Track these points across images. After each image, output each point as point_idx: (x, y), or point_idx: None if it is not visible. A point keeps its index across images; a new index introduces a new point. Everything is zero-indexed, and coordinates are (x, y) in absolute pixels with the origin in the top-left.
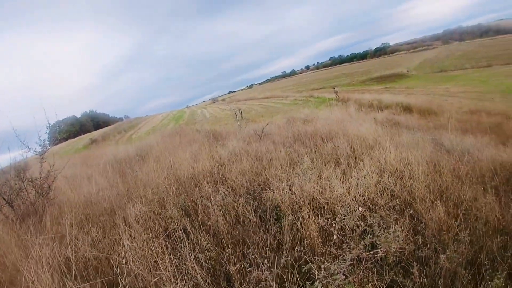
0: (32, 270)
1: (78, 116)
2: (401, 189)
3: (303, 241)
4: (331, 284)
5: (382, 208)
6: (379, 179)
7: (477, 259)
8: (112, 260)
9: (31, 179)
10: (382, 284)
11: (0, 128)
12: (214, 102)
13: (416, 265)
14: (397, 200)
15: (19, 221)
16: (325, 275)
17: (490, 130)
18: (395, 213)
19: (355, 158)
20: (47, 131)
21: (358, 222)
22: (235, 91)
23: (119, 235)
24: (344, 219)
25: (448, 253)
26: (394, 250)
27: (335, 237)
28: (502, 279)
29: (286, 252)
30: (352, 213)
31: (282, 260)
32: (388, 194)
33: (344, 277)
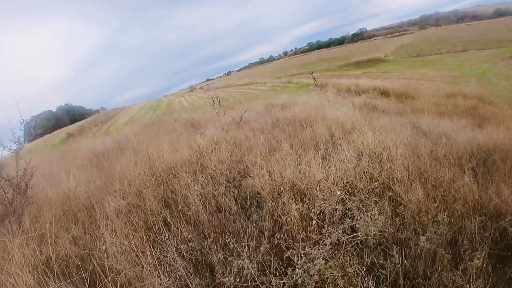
0: (13, 271)
1: (54, 110)
2: (380, 172)
3: (284, 228)
4: (311, 269)
5: (361, 191)
6: (358, 162)
7: (457, 240)
8: (94, 256)
9: (8, 178)
10: (363, 267)
11: None
12: (192, 91)
13: (396, 247)
14: (376, 183)
15: None
16: (306, 260)
17: (466, 113)
18: (374, 196)
19: (334, 143)
20: (22, 128)
21: (337, 206)
22: (213, 79)
23: (99, 231)
24: (323, 203)
25: (428, 234)
26: (374, 233)
27: (314, 222)
28: (481, 259)
29: (266, 240)
30: (331, 197)
31: (262, 248)
32: (367, 177)
33: (324, 261)
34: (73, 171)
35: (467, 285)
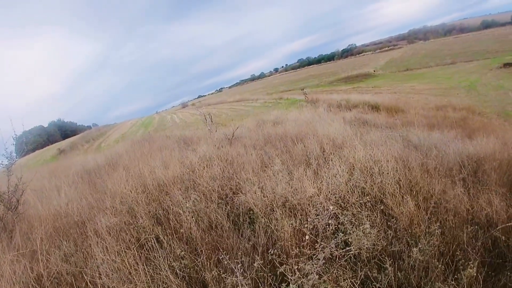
0: None
1: (45, 125)
2: (372, 185)
3: (277, 243)
4: (305, 285)
5: (353, 205)
6: (350, 177)
7: (449, 250)
8: (86, 274)
9: None
10: (357, 281)
11: None
12: (184, 107)
13: (389, 260)
14: (368, 197)
15: None
16: (300, 276)
17: (456, 124)
18: (366, 209)
19: (325, 158)
20: (14, 143)
21: (329, 221)
22: (204, 95)
23: (91, 248)
24: (316, 218)
25: (420, 246)
26: (366, 246)
27: (307, 237)
28: (474, 268)
29: (259, 256)
30: (324, 212)
31: (256, 264)
32: (359, 192)
33: (318, 276)
34: (64, 187)
35: None
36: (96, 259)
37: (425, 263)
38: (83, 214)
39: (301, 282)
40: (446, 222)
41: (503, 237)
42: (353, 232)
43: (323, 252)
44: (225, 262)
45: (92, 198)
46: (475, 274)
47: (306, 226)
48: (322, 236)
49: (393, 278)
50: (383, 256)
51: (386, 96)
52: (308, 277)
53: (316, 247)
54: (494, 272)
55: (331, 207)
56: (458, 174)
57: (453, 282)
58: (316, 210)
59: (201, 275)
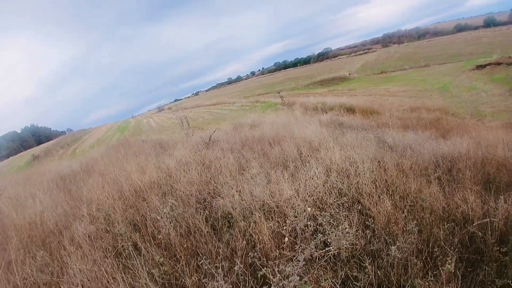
0: None
1: (19, 131)
2: (349, 186)
3: (257, 246)
4: (287, 287)
5: (331, 206)
6: (327, 178)
7: (427, 247)
8: (62, 283)
9: None
10: (337, 280)
11: None
12: (160, 111)
13: (369, 259)
14: (345, 197)
15: None
16: (280, 278)
17: (430, 125)
18: (344, 210)
19: (302, 160)
20: None
21: (308, 223)
22: (181, 99)
23: (68, 257)
24: (294, 221)
25: (398, 244)
26: (345, 246)
27: (286, 239)
28: (452, 264)
29: (239, 260)
30: (302, 214)
31: (236, 268)
32: (336, 193)
33: (299, 278)
34: (39, 195)
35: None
36: (73, 268)
37: (404, 261)
38: (59, 222)
39: (282, 284)
40: (423, 220)
41: (479, 233)
42: (331, 232)
43: (303, 254)
44: (205, 267)
45: (67, 206)
46: (453, 270)
47: (285, 228)
48: (301, 238)
49: (373, 276)
50: (362, 255)
51: (361, 98)
52: (289, 279)
53: (295, 248)
54: (472, 268)
55: (309, 209)
56: (433, 173)
57: (432, 279)
58: (294, 212)
59: (181, 281)
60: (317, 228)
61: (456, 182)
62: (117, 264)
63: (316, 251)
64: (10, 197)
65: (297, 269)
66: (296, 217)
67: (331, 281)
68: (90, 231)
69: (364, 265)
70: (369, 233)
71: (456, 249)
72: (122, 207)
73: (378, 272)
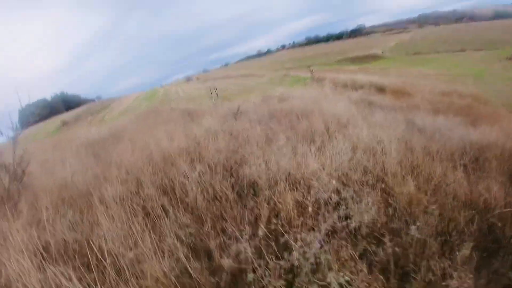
0: (12, 257)
1: (49, 99)
2: (374, 165)
3: (280, 214)
4: (308, 253)
5: (355, 182)
6: (353, 155)
7: (446, 231)
8: (92, 241)
9: (4, 165)
10: (356, 253)
11: None
12: (189, 81)
13: (388, 236)
14: (370, 175)
15: None
16: (302, 245)
17: (461, 111)
18: (368, 187)
19: (329, 135)
20: (18, 115)
21: (332, 195)
22: (210, 70)
23: (97, 216)
24: (318, 192)
25: (418, 224)
26: (367, 221)
27: (310, 209)
28: (469, 250)
29: (263, 225)
30: (326, 186)
31: (259, 232)
32: (361, 170)
33: (320, 246)
34: (69, 159)
35: (455, 273)
36: (102, 227)
37: (422, 241)
38: (88, 184)
39: (303, 250)
40: (445, 204)
41: (499, 224)
42: (354, 207)
43: (325, 223)
44: (230, 230)
45: (97, 169)
46: (468, 255)
47: (309, 199)
48: (324, 209)
49: (391, 253)
50: (382, 231)
51: (392, 78)
52: (311, 246)
53: (318, 219)
54: (488, 256)
55: (334, 182)
56: (460, 160)
57: (448, 261)
58: (319, 184)
59: (206, 243)
60: (340, 202)
61: (482, 171)
62: (145, 223)
63: (338, 223)
64: (41, 161)
65: (319, 237)
66: (320, 189)
67: (350, 252)
68: (119, 193)
69: (383, 241)
70: (390, 211)
71: (474, 237)
72: (151, 171)
73: (397, 249)
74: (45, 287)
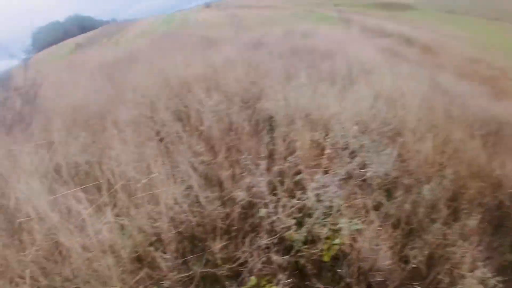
0: (22, 179)
1: (62, 21)
2: (394, 117)
3: (296, 153)
4: (322, 195)
5: (373, 131)
6: (374, 103)
7: (456, 199)
8: (104, 164)
9: (17, 88)
10: (368, 202)
11: None
12: (208, 7)
13: (401, 191)
14: (389, 127)
15: (6, 132)
16: (317, 186)
17: (487, 82)
18: (386, 139)
19: (351, 79)
20: (30, 38)
21: (351, 141)
22: None
23: (110, 139)
24: (337, 135)
25: (432, 184)
26: (381, 173)
27: (328, 151)
28: (476, 221)
29: (278, 161)
30: (346, 131)
31: (275, 168)
32: (380, 120)
33: (336, 190)
34: (83, 81)
35: (461, 240)
36: (115, 149)
37: (432, 203)
38: (102, 106)
39: (317, 193)
40: (459, 171)
41: (507, 202)
42: (371, 156)
43: (343, 168)
44: (244, 163)
45: (111, 91)
46: (475, 226)
47: (328, 140)
48: (341, 154)
49: (402, 208)
50: (394, 186)
51: (422, 32)
52: (326, 189)
53: (334, 162)
54: (492, 233)
55: (355, 127)
56: (479, 130)
57: (455, 228)
58: (339, 128)
59: (218, 173)
60: (356, 149)
61: (499, 146)
62: (158, 148)
63: (354, 170)
64: (53, 82)
65: (333, 181)
66: (339, 132)
67: (363, 201)
68: (133, 116)
69: (395, 195)
70: (405, 166)
71: (483, 210)
72: (166, 96)
73: (407, 205)
74: (55, 210)
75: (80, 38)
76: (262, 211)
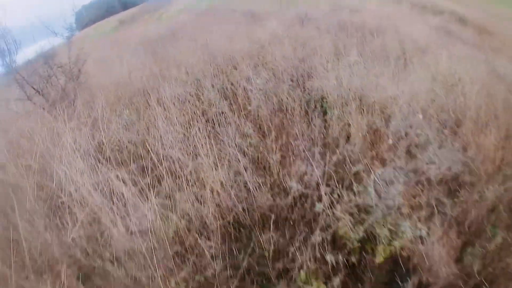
0: (65, 158)
1: None
2: (453, 104)
3: (351, 140)
4: (382, 192)
5: (432, 119)
6: (430, 87)
7: None
8: (148, 143)
9: (60, 65)
10: (427, 200)
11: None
12: None
13: (462, 190)
14: (448, 114)
15: (50, 109)
16: (376, 180)
17: None
18: (445, 128)
19: (405, 59)
20: (74, 15)
21: (417, 131)
22: None
23: (154, 118)
24: (399, 123)
25: (496, 186)
26: (445, 169)
27: (390, 141)
28: None
29: (334, 150)
30: (409, 118)
31: (328, 157)
32: (437, 106)
33: (398, 185)
34: (126, 57)
35: None
36: (159, 129)
37: (491, 205)
38: (146, 83)
39: (377, 188)
40: None
41: None
42: (435, 149)
43: (410, 162)
44: (295, 147)
45: (155, 68)
46: None
47: (390, 129)
48: (405, 145)
49: (465, 209)
50: (454, 183)
51: (475, 11)
52: (391, 187)
53: (397, 154)
54: None
55: (421, 116)
56: None
57: None
58: (401, 114)
59: (267, 157)
60: (421, 141)
61: None
62: (204, 129)
63: (418, 165)
64: (97, 59)
65: (397, 176)
66: (402, 119)
67: (427, 201)
68: (178, 94)
69: (456, 194)
70: (467, 162)
71: None
72: (211, 73)
73: (467, 205)
74: (97, 190)
75: (122, 15)
76: (319, 206)
